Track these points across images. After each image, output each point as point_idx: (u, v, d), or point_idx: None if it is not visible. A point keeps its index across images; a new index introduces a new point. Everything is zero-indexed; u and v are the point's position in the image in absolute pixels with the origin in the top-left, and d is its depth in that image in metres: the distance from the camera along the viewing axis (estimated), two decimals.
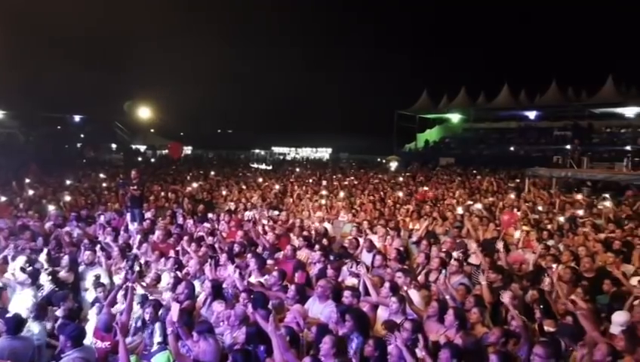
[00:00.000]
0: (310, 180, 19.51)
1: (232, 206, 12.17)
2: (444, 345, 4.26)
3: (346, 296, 5.38)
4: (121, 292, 5.68)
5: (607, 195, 13.72)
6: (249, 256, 7.12)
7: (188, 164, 30.62)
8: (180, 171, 23.61)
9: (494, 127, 35.81)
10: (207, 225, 9.69)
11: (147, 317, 5.06)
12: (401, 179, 19.97)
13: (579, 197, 13.73)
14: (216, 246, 7.99)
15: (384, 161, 34.30)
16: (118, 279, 6.57)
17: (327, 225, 10.22)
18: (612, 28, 44.58)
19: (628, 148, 21.98)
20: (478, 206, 11.62)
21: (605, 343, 4.20)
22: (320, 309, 5.44)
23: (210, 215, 10.84)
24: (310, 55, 60.57)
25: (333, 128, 53.83)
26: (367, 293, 5.70)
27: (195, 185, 16.37)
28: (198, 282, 6.39)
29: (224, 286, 6.03)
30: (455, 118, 37.39)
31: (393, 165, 29.35)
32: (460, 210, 11.12)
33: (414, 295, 5.70)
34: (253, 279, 6.44)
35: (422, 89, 35.70)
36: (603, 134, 29.84)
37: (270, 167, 31.42)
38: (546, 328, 4.93)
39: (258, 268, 6.68)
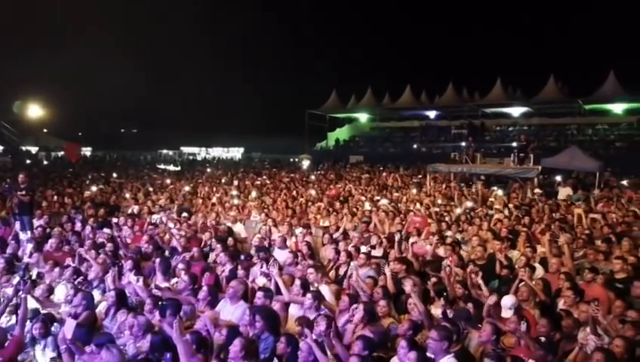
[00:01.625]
0: (222, 180, 19.11)
1: (136, 209, 11.56)
2: (357, 337, 4.37)
3: (259, 297, 5.35)
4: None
5: (495, 188, 15.09)
6: (156, 260, 6.81)
7: (87, 166, 28.45)
8: (77, 174, 21.86)
9: (399, 126, 37.65)
10: (107, 230, 9.09)
11: (36, 332, 4.64)
12: (313, 177, 20.28)
13: (473, 190, 14.91)
14: (120, 252, 7.53)
15: (297, 159, 34.54)
16: (1, 294, 5.95)
17: (239, 225, 10.10)
18: (499, 33, 49.21)
19: (514, 144, 24.18)
20: (384, 201, 12.13)
21: (489, 323, 4.58)
22: (231, 311, 5.37)
23: (114, 220, 10.19)
24: (222, 54, 59.39)
25: (245, 127, 53.34)
26: (278, 292, 5.71)
27: (94, 188, 15.29)
28: (98, 291, 5.99)
29: (127, 294, 5.71)
30: (363, 117, 38.76)
31: (305, 164, 29.62)
32: (367, 206, 11.53)
33: (325, 290, 5.83)
34: (159, 284, 6.16)
35: (331, 89, 36.52)
36: (495, 132, 32.65)
37: (179, 168, 30.24)
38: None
39: (163, 272, 6.42)
